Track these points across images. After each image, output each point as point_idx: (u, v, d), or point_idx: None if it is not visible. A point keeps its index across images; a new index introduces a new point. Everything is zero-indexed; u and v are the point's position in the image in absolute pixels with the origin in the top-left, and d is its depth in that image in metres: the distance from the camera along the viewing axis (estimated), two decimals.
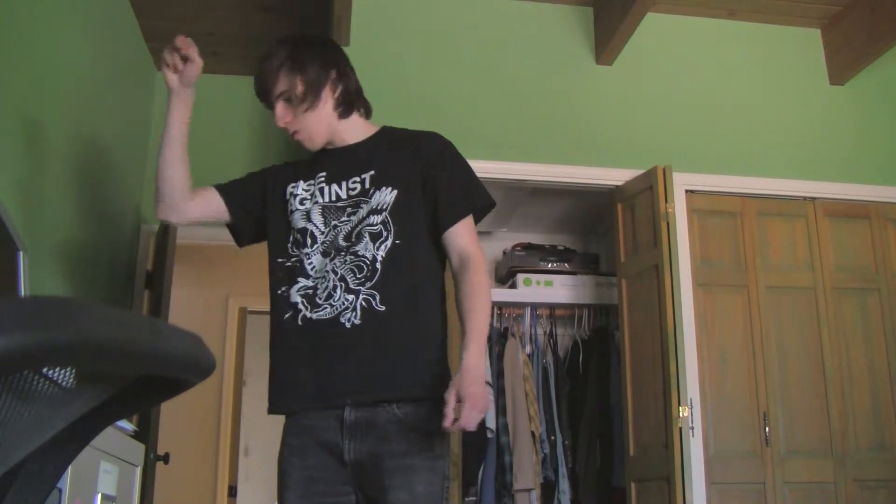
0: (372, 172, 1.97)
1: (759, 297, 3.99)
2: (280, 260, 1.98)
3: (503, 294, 4.86)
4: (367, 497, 1.80)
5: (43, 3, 2.99)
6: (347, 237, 1.91)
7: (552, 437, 4.51)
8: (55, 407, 0.72)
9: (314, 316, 1.86)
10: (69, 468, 1.31)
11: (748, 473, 3.74)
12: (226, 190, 2.18)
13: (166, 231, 3.94)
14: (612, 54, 4.16)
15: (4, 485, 0.79)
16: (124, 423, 2.02)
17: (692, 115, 4.24)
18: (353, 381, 1.81)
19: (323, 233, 1.94)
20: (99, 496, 1.76)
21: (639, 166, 3.98)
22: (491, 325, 4.73)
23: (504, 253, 5.14)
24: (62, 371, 0.67)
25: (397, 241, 1.89)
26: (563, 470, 4.48)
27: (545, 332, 4.88)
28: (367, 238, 1.89)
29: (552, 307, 4.89)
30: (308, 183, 2.03)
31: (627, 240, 4.00)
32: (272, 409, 1.94)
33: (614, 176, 4.07)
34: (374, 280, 1.86)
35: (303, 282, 1.91)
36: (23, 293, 2.16)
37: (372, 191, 1.94)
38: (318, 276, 1.89)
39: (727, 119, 4.26)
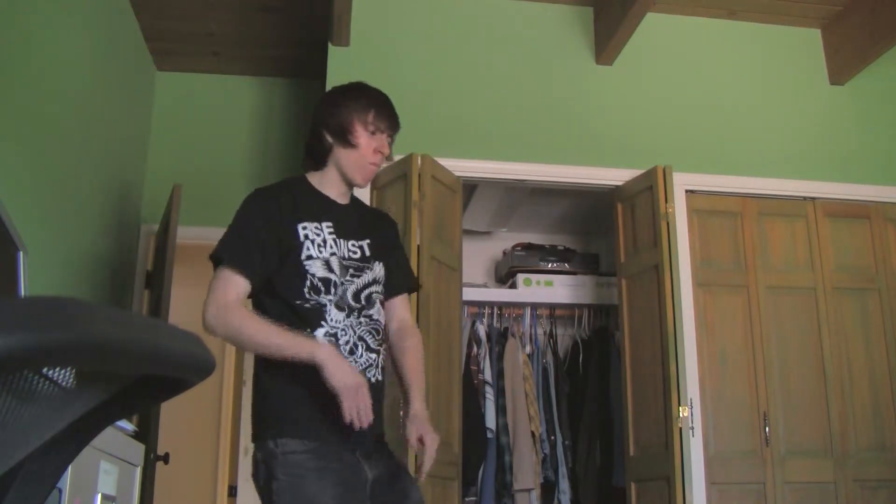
0: (369, 241, 2.11)
1: (759, 297, 3.99)
2: (298, 302, 1.97)
3: (503, 294, 4.87)
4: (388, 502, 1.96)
5: (43, 4, 2.99)
6: (356, 298, 2.02)
7: (552, 437, 4.51)
8: (55, 407, 0.72)
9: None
10: (69, 468, 1.31)
11: (748, 473, 3.74)
12: (258, 279, 2.03)
13: (166, 231, 3.94)
14: (612, 54, 4.16)
15: (4, 485, 0.79)
16: (124, 423, 2.02)
17: (692, 115, 4.24)
18: (374, 425, 1.95)
19: (337, 285, 1.99)
20: (99, 496, 1.76)
21: (639, 166, 3.98)
22: (491, 324, 4.75)
23: (504, 253, 5.14)
24: (62, 371, 0.67)
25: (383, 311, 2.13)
26: (563, 470, 4.48)
27: (545, 332, 4.88)
28: (377, 304, 2.08)
29: (552, 307, 4.89)
30: (315, 226, 2.03)
31: (627, 240, 4.00)
32: (291, 435, 1.89)
33: (614, 176, 4.07)
34: (384, 344, 2.09)
35: (325, 327, 1.96)
36: (23, 293, 2.16)
37: (372, 260, 2.10)
38: (337, 327, 1.98)
39: (727, 119, 4.26)
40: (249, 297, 2.02)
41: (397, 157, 3.60)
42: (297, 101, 4.89)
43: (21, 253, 2.15)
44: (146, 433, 3.34)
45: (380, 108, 2.09)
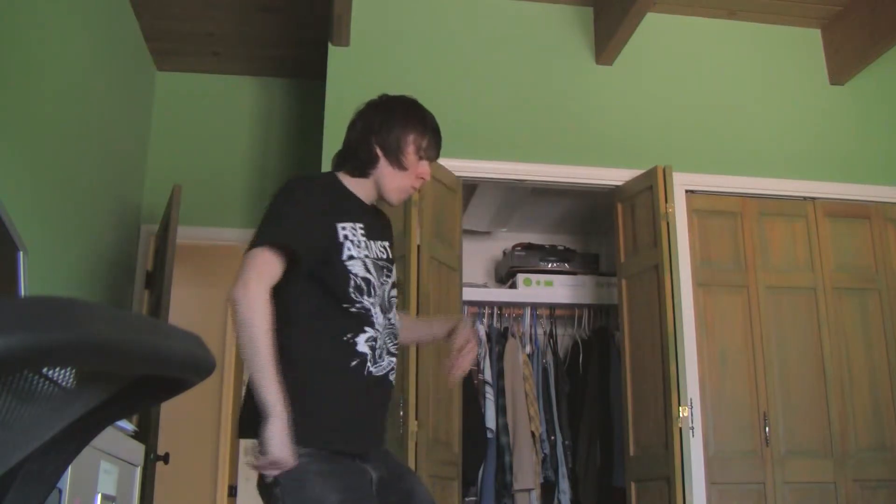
0: (388, 243, 2.11)
1: (759, 297, 3.99)
2: (345, 306, 1.92)
3: (503, 294, 4.87)
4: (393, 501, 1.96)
5: (43, 4, 2.99)
6: (389, 299, 2.03)
7: (552, 437, 4.51)
8: (55, 407, 0.72)
9: (374, 370, 1.95)
10: (69, 468, 1.31)
11: (748, 473, 3.74)
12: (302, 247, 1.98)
13: (166, 231, 3.94)
14: (612, 54, 4.16)
15: (4, 485, 0.79)
16: (124, 423, 2.02)
17: (692, 115, 4.24)
18: (377, 426, 2.00)
19: (376, 287, 1.98)
20: (99, 496, 1.76)
21: (639, 166, 3.98)
22: (491, 324, 4.75)
23: (504, 253, 5.14)
24: (62, 371, 0.67)
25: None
26: (563, 470, 4.48)
27: (545, 332, 4.88)
28: (394, 308, 2.07)
29: (552, 307, 4.89)
30: (352, 226, 1.98)
31: (627, 240, 4.00)
32: (299, 440, 1.82)
33: (614, 176, 4.07)
34: (398, 349, 2.08)
35: (369, 332, 1.94)
36: (23, 293, 2.16)
37: (392, 263, 2.10)
38: (378, 332, 1.97)
39: (727, 119, 4.26)
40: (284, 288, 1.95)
41: None
42: (297, 101, 4.89)
43: (21, 253, 2.15)
44: (146, 433, 3.34)
45: (434, 135, 2.07)
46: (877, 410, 3.94)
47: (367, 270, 1.96)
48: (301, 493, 1.81)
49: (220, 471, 5.95)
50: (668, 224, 3.73)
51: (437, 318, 2.19)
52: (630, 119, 4.18)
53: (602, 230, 5.21)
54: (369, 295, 1.94)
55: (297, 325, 1.92)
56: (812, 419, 3.86)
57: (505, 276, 5.01)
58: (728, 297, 3.97)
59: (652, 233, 3.79)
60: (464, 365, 2.06)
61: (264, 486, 1.86)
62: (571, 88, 4.21)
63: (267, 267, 1.87)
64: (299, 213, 1.93)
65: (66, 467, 0.86)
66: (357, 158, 2.06)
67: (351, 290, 1.92)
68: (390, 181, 2.04)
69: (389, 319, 2.01)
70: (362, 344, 1.93)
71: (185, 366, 0.76)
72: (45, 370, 0.64)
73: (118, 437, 1.96)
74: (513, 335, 4.68)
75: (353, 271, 1.94)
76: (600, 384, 4.59)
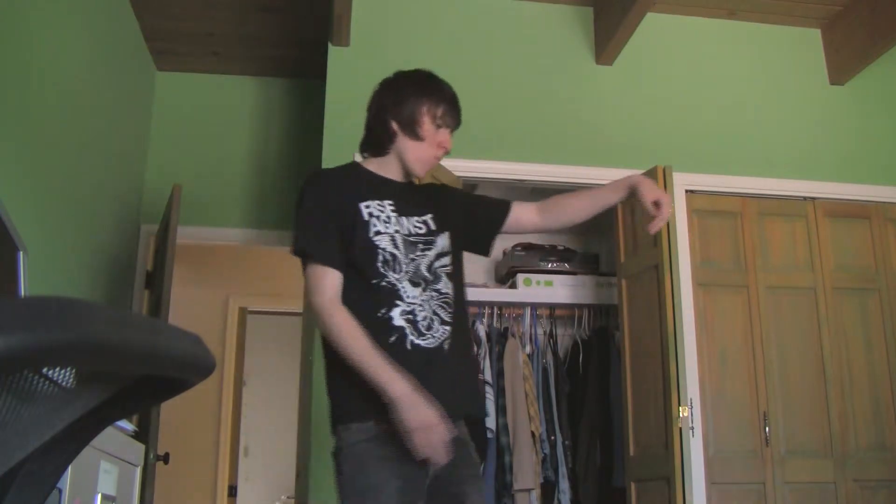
0: (431, 215, 2.10)
1: (759, 297, 3.99)
2: (374, 281, 1.96)
3: (503, 294, 4.86)
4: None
5: (43, 4, 2.99)
6: (429, 271, 2.03)
7: (552, 437, 4.51)
8: (55, 407, 0.72)
9: (422, 343, 1.95)
10: (69, 468, 1.31)
11: (748, 473, 3.74)
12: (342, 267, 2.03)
13: (166, 231, 3.94)
14: (612, 54, 4.16)
15: (4, 485, 0.79)
16: (124, 423, 2.02)
17: (692, 115, 4.24)
18: (448, 399, 1.93)
19: (406, 262, 1.99)
20: (99, 496, 1.76)
21: (639, 166, 3.97)
22: (490, 324, 4.75)
23: (504, 253, 5.14)
24: (62, 371, 0.67)
25: (456, 282, 2.11)
26: (563, 470, 4.48)
27: (545, 332, 4.88)
28: (444, 278, 2.06)
29: (552, 307, 4.89)
30: (378, 203, 2.03)
31: (627, 240, 4.00)
32: (357, 419, 1.89)
33: (614, 176, 4.01)
34: (455, 316, 2.05)
35: (402, 305, 1.96)
36: (23, 293, 2.16)
37: (437, 233, 2.09)
38: (414, 303, 1.97)
39: (727, 119, 4.26)
40: None
41: None
42: (297, 101, 4.89)
43: (21, 253, 2.15)
44: (146, 433, 3.34)
45: (450, 103, 2.11)
46: (877, 410, 3.94)
47: (395, 246, 1.99)
48: (360, 482, 1.82)
49: (220, 471, 5.95)
50: (668, 224, 3.73)
51: (601, 188, 2.24)
52: (630, 119, 4.18)
53: (602, 230, 5.21)
54: (395, 270, 1.97)
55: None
56: (812, 419, 3.86)
57: (505, 275, 5.00)
58: (728, 297, 3.97)
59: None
60: (664, 217, 2.08)
61: (334, 476, 1.89)
62: (571, 88, 4.21)
63: (328, 281, 1.95)
64: (323, 219, 1.99)
65: (66, 467, 0.86)
66: (375, 137, 2.12)
67: (379, 264, 1.96)
68: (411, 153, 2.08)
69: (439, 290, 2.01)
70: (398, 318, 1.94)
71: (185, 366, 0.76)
72: (45, 370, 0.64)
73: (118, 437, 1.96)
74: (513, 335, 4.68)
75: (381, 246, 1.97)
76: (600, 384, 4.59)
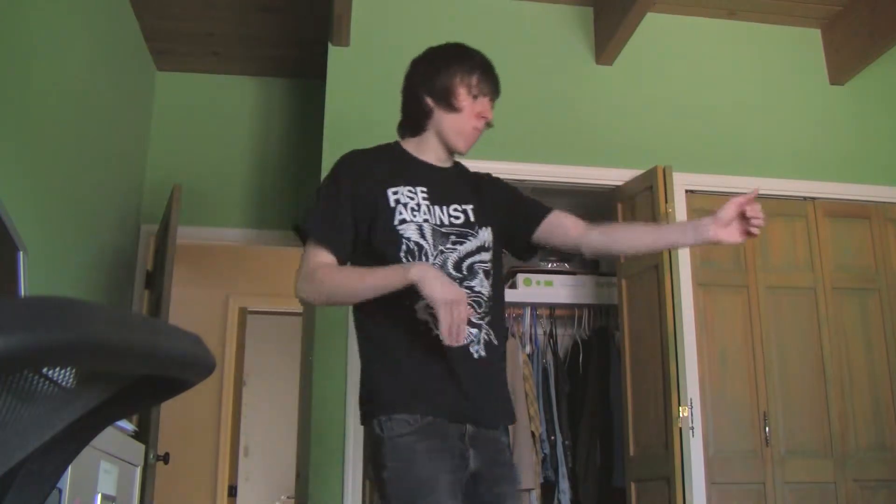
0: (472, 206, 2.00)
1: (759, 297, 3.99)
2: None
3: None
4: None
5: (43, 4, 2.99)
6: (457, 268, 1.91)
7: (552, 437, 4.51)
8: (55, 407, 0.72)
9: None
10: (69, 468, 1.31)
11: (748, 473, 3.74)
12: (345, 253, 1.95)
13: (166, 231, 3.94)
14: (612, 54, 4.16)
15: (4, 485, 0.79)
16: (124, 423, 2.02)
17: (692, 115, 4.24)
18: (478, 404, 1.87)
19: (433, 255, 1.89)
20: (99, 496, 1.76)
21: (639, 166, 3.98)
22: None
23: (504, 253, 5.13)
24: (62, 371, 0.67)
25: (495, 281, 2.00)
26: (563, 470, 4.48)
27: (545, 332, 4.88)
28: (480, 275, 1.95)
29: (552, 307, 4.89)
30: (409, 190, 1.93)
31: None
32: (401, 409, 1.79)
33: (614, 176, 4.07)
34: (489, 317, 1.94)
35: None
36: (23, 293, 2.16)
37: (477, 226, 1.98)
38: None
39: (727, 119, 4.26)
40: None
41: None
42: (297, 101, 4.89)
43: (21, 253, 2.15)
44: (146, 433, 3.34)
45: (484, 71, 2.00)
46: (877, 410, 3.94)
47: (422, 236, 1.89)
48: (410, 476, 1.73)
49: (220, 471, 5.95)
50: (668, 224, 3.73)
51: (673, 225, 2.07)
52: (630, 119, 4.18)
53: None
54: (420, 260, 1.87)
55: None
56: (812, 419, 3.86)
57: (505, 275, 5.00)
58: (728, 297, 3.97)
59: None
60: (758, 223, 1.94)
61: (375, 471, 1.80)
62: (571, 88, 4.21)
63: (315, 258, 1.88)
64: (338, 199, 1.92)
65: (66, 467, 0.86)
66: (411, 116, 2.04)
67: (402, 254, 1.87)
68: (449, 126, 1.99)
69: (471, 288, 1.91)
70: (422, 311, 1.84)
71: (185, 366, 0.76)
72: (45, 370, 0.64)
73: (118, 437, 1.96)
74: (513, 335, 4.68)
75: (406, 235, 1.89)
76: (600, 384, 4.59)
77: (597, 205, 4.72)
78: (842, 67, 4.33)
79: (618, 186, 4.05)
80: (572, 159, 4.09)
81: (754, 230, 1.95)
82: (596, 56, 4.23)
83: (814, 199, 4.19)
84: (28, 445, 0.75)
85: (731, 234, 1.95)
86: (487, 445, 1.87)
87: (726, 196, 4.06)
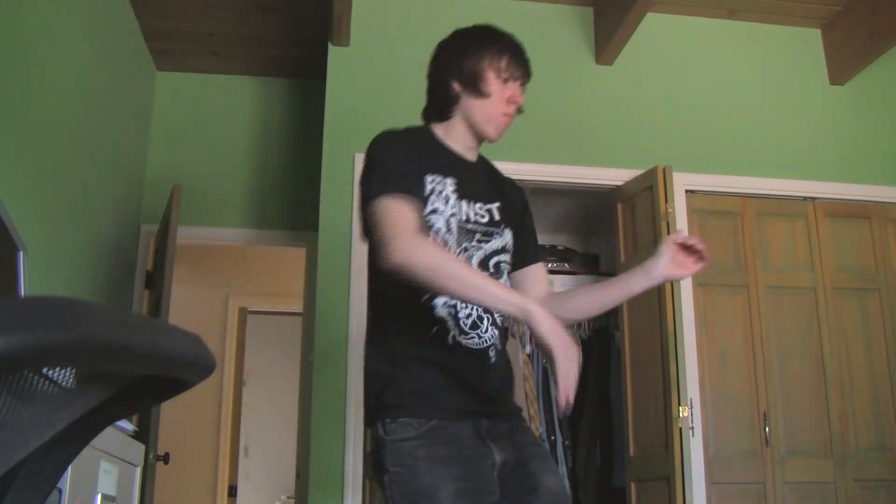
0: (499, 205, 1.90)
1: (759, 297, 3.99)
2: None
3: None
4: (512, 493, 1.74)
5: (43, 4, 2.99)
6: (483, 266, 1.82)
7: (552, 438, 4.51)
8: (55, 407, 0.72)
9: (463, 341, 1.77)
10: (69, 468, 1.31)
11: (748, 473, 3.74)
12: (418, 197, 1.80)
13: (166, 231, 3.94)
14: (612, 54, 4.16)
15: (4, 485, 0.79)
16: (124, 423, 2.02)
17: (692, 115, 4.24)
18: (492, 399, 1.81)
19: (457, 252, 1.80)
20: (99, 496, 1.76)
21: (639, 166, 3.98)
22: None
23: None
24: (62, 371, 0.67)
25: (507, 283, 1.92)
26: (563, 470, 4.48)
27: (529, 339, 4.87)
28: (504, 275, 1.88)
29: None
30: (440, 179, 1.81)
31: (627, 240, 4.00)
32: (406, 413, 1.70)
33: (614, 176, 4.07)
34: (503, 318, 1.86)
35: (447, 297, 1.75)
36: (23, 293, 2.16)
37: (502, 225, 1.89)
38: None
39: (727, 119, 4.26)
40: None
41: None
42: (297, 101, 4.89)
43: (21, 253, 2.15)
44: (146, 433, 3.34)
45: (514, 53, 1.91)
46: (877, 410, 3.94)
47: (448, 230, 1.79)
48: (411, 483, 1.64)
49: (220, 471, 5.95)
50: (668, 224, 3.73)
51: (621, 277, 1.92)
52: (630, 119, 4.18)
53: (602, 230, 5.21)
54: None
55: (380, 290, 1.82)
56: (812, 419, 3.86)
57: None
58: (728, 297, 3.97)
59: (652, 233, 3.79)
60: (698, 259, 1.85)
61: (377, 475, 1.72)
62: (571, 88, 4.21)
63: (405, 213, 1.65)
64: (400, 164, 1.77)
65: (66, 467, 0.86)
66: (437, 102, 1.92)
67: None
68: (477, 112, 1.88)
69: None
70: (440, 308, 1.75)
71: (185, 366, 0.76)
72: (45, 370, 0.64)
73: (118, 437, 1.96)
74: (513, 335, 4.67)
75: (435, 226, 1.77)
76: (600, 384, 4.59)
77: (597, 205, 4.73)
78: (842, 67, 4.33)
79: (618, 186, 4.05)
80: (572, 159, 4.09)
81: (704, 259, 1.87)
82: (596, 56, 4.23)
83: (814, 199, 4.19)
84: (28, 445, 0.75)
85: (681, 267, 1.88)
86: (510, 434, 1.79)
87: (726, 196, 4.10)
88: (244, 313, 6.36)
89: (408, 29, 4.16)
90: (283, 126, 4.85)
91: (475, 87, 1.86)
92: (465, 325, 1.77)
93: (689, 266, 1.88)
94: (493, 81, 1.87)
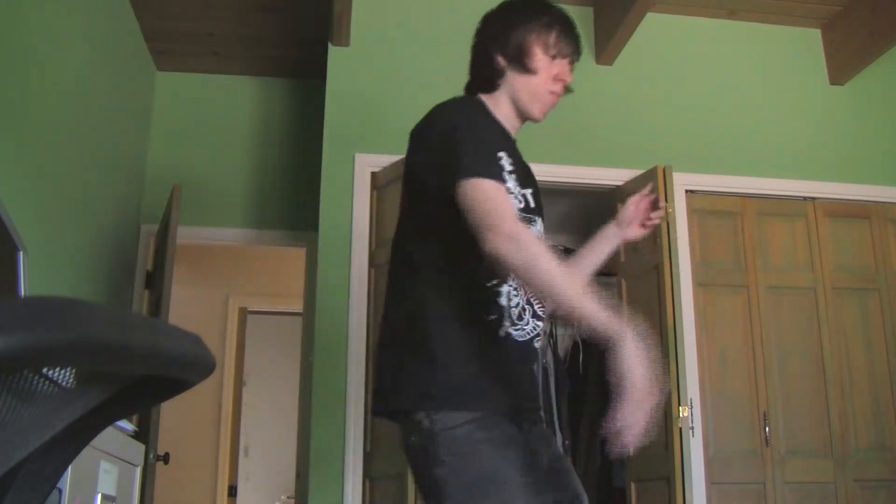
0: (532, 191, 1.79)
1: (759, 297, 3.99)
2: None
3: None
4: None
5: (43, 5, 2.99)
6: None
7: None
8: (55, 407, 0.72)
9: (513, 332, 1.65)
10: (69, 468, 1.31)
11: (748, 473, 3.75)
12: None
13: (166, 231, 3.94)
14: (612, 54, 4.16)
15: (4, 485, 0.79)
16: (124, 423, 2.02)
17: (692, 115, 4.24)
18: (531, 397, 1.74)
19: None
20: (99, 496, 1.76)
21: (639, 166, 3.98)
22: None
23: None
24: (62, 371, 0.67)
25: None
26: None
27: (545, 332, 4.88)
28: None
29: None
30: (507, 156, 1.69)
31: None
32: (459, 406, 1.54)
33: (614, 176, 4.07)
34: (542, 308, 1.75)
35: (509, 285, 1.66)
36: (23, 293, 2.16)
37: (538, 212, 1.79)
38: (513, 285, 1.67)
39: (727, 119, 4.26)
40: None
41: (397, 158, 3.60)
42: (297, 101, 4.89)
43: (21, 253, 2.15)
44: (146, 433, 3.34)
45: (564, 28, 1.79)
46: (877, 410, 3.94)
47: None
48: (474, 468, 1.48)
49: (220, 471, 5.95)
50: (668, 224, 3.73)
51: (593, 244, 1.88)
52: (630, 119, 4.18)
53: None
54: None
55: (429, 267, 1.64)
56: (812, 419, 3.86)
57: None
58: (728, 297, 3.97)
59: (652, 233, 3.78)
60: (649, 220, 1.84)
61: (424, 473, 1.53)
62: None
63: (507, 201, 1.55)
64: (490, 137, 1.65)
65: (66, 467, 0.86)
66: (481, 75, 1.80)
67: None
68: (523, 89, 1.75)
69: None
70: (504, 296, 1.64)
71: (185, 366, 0.76)
72: (45, 370, 0.64)
73: (118, 437, 1.96)
74: None
75: (517, 207, 1.67)
76: (600, 384, 4.59)
77: (597, 205, 4.73)
78: (842, 67, 4.33)
79: (618, 186, 4.05)
80: (572, 159, 4.09)
81: (649, 223, 1.93)
82: (596, 56, 4.23)
83: (814, 199, 4.19)
84: (28, 445, 0.75)
85: (633, 231, 1.94)
86: (543, 437, 1.72)
87: (726, 196, 4.10)
88: (244, 313, 6.36)
89: (408, 29, 4.16)
90: (283, 126, 4.85)
91: (521, 62, 1.75)
92: (514, 315, 1.66)
93: (637, 230, 1.94)
94: (540, 57, 1.76)
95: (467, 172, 1.54)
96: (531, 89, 1.75)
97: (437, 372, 1.57)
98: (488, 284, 1.64)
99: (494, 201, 1.52)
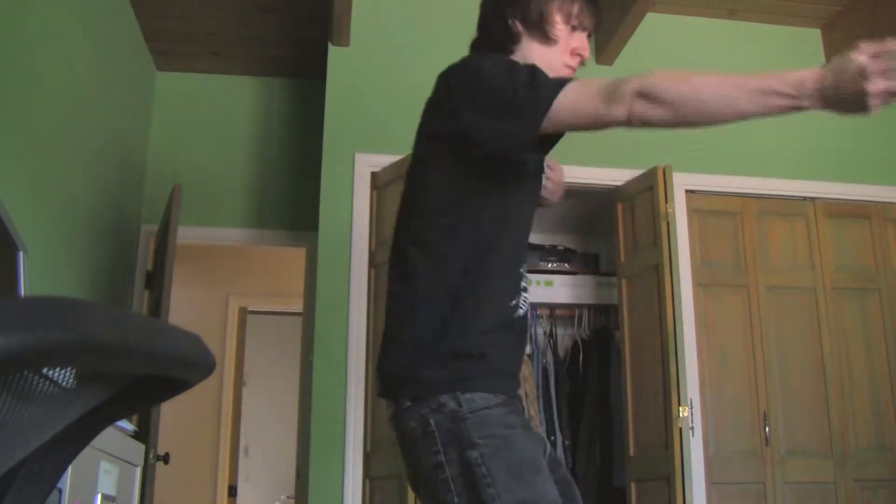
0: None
1: (759, 297, 3.99)
2: (524, 228, 1.61)
3: None
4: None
5: (43, 4, 2.99)
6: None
7: (552, 438, 4.51)
8: (55, 407, 0.72)
9: (521, 312, 1.59)
10: (69, 468, 1.31)
11: (748, 473, 3.75)
12: None
13: (166, 231, 3.94)
14: (612, 54, 4.16)
15: (4, 485, 0.79)
16: (124, 423, 2.02)
17: None
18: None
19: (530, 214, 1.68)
20: (99, 496, 1.76)
21: (639, 166, 3.98)
22: None
23: None
24: (62, 371, 0.67)
25: None
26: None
27: (545, 332, 4.88)
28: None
29: (552, 307, 4.89)
30: None
31: (627, 240, 4.00)
32: (486, 388, 1.45)
33: (614, 176, 4.06)
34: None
35: (524, 264, 1.63)
36: (23, 293, 2.16)
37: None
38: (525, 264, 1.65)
39: None
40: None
41: (397, 158, 3.60)
42: (297, 101, 4.89)
43: (21, 253, 2.15)
44: (146, 433, 3.34)
45: None
46: (877, 410, 3.94)
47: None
48: (513, 452, 1.40)
49: (220, 471, 5.95)
50: (668, 224, 3.73)
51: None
52: None
53: (602, 230, 5.21)
54: (530, 227, 1.66)
55: (455, 250, 1.52)
56: (812, 419, 3.87)
57: None
58: (728, 297, 3.97)
59: (652, 233, 3.79)
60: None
61: (451, 460, 1.40)
62: None
63: (588, 83, 1.42)
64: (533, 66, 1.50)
65: (66, 467, 0.86)
66: (492, 37, 1.69)
67: (518, 206, 1.59)
68: (538, 59, 1.59)
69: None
70: (523, 280, 1.60)
71: (185, 366, 0.76)
72: (45, 370, 0.64)
73: (118, 437, 1.96)
74: None
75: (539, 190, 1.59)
76: (600, 384, 4.59)
77: (597, 205, 4.73)
78: None
79: (618, 186, 4.05)
80: (572, 159, 4.08)
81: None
82: (596, 56, 4.23)
83: (814, 199, 4.19)
84: (28, 445, 0.75)
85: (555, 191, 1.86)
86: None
87: (726, 196, 4.10)
88: (244, 313, 6.36)
89: (408, 29, 4.16)
90: (283, 126, 4.85)
91: (540, 29, 1.62)
92: (523, 297, 1.61)
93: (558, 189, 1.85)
94: (560, 27, 1.63)
95: (549, 92, 1.41)
96: (546, 60, 1.60)
97: (469, 353, 1.48)
98: (520, 271, 1.58)
99: (586, 89, 1.39)
